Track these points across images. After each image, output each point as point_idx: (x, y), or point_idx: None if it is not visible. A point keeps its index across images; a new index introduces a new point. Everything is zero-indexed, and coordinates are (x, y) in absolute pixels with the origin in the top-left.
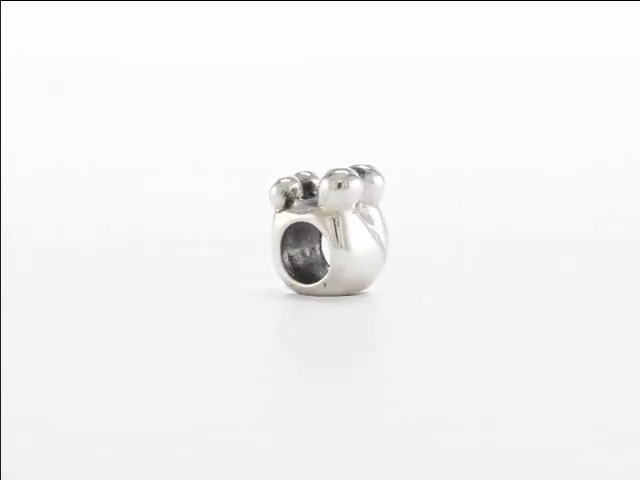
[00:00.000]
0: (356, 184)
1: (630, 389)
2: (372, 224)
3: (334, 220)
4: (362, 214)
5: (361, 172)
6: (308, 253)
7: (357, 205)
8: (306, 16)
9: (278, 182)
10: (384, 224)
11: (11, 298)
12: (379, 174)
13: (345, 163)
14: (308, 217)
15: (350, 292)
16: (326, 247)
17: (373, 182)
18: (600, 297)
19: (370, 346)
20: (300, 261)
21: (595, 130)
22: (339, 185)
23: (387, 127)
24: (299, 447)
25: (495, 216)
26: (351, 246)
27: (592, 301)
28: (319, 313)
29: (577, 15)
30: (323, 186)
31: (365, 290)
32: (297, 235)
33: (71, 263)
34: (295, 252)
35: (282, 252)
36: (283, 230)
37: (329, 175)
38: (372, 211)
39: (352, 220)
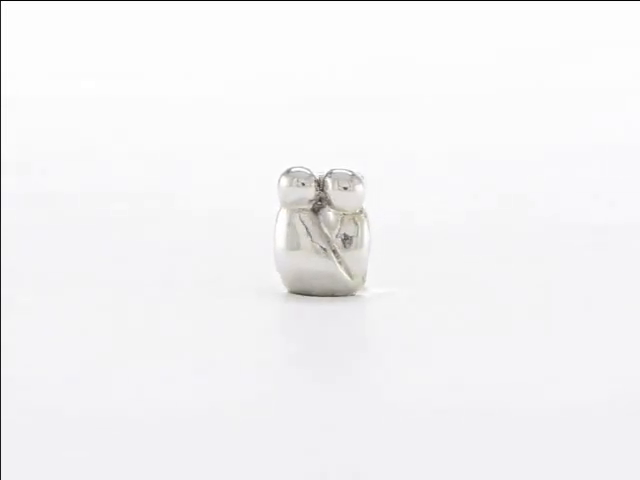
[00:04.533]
0: (304, 185)
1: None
2: (336, 230)
3: (282, 216)
4: (324, 217)
5: (328, 174)
6: None
7: (321, 208)
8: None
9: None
10: (363, 232)
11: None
12: (361, 182)
13: (334, 165)
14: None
15: (298, 290)
16: None
17: (352, 189)
18: (597, 301)
19: (368, 346)
20: None
21: (597, 127)
22: (302, 184)
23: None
24: (297, 446)
25: (494, 216)
26: (279, 244)
27: (586, 302)
28: (318, 313)
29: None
30: (281, 183)
31: (340, 294)
32: None
33: (69, 261)
34: None
35: None
36: None
37: (286, 173)
38: (354, 218)
39: (297, 220)
